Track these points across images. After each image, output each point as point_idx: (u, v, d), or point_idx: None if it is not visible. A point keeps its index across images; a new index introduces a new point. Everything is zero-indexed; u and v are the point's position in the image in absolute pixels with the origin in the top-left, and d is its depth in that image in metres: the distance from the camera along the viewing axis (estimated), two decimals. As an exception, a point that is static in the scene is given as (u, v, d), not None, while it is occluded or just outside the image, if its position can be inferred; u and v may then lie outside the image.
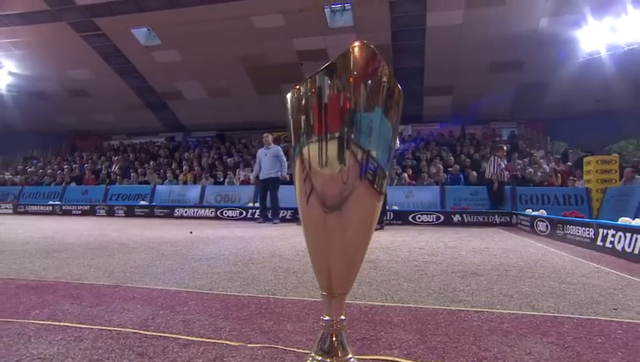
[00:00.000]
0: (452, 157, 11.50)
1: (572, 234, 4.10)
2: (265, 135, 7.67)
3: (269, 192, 7.21)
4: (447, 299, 1.84)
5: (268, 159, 7.21)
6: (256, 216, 7.69)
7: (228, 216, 8.14)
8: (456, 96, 14.09)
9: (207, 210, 8.38)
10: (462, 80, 13.32)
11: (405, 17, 11.54)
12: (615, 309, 1.68)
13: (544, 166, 10.37)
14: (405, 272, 2.48)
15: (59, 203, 9.87)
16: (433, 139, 13.79)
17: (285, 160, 7.36)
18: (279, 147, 7.54)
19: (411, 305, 1.72)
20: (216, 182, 11.50)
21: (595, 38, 10.60)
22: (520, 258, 3.17)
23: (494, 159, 7.57)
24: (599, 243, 3.55)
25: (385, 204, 6.66)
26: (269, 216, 7.21)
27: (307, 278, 2.27)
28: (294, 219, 7.61)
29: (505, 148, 8.15)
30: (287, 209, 7.85)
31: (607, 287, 2.14)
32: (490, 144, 13.00)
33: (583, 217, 4.44)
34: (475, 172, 10.01)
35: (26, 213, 9.67)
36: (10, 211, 9.74)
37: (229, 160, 13.28)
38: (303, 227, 0.85)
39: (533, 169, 10.10)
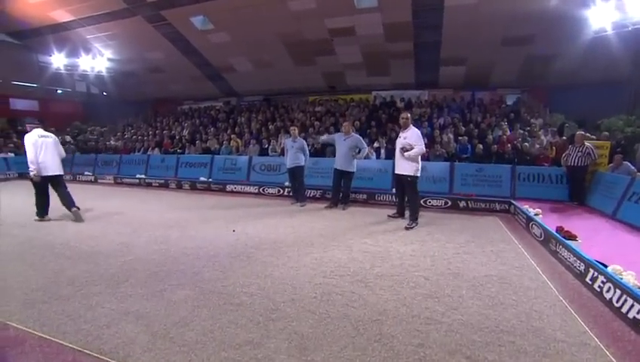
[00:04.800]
0: (462, 126, 10.43)
1: (564, 257, 3.52)
2: (292, 128, 7.11)
3: (295, 179, 6.93)
4: None
5: (294, 151, 6.75)
6: (290, 193, 7.42)
7: (268, 193, 7.86)
8: (469, 66, 12.52)
9: (251, 187, 8.14)
10: (475, 52, 11.73)
11: (425, -2, 10.00)
12: None
13: (542, 137, 9.18)
14: (405, 351, 2.15)
15: (143, 176, 9.97)
16: (447, 105, 12.52)
17: (307, 152, 6.93)
18: (304, 141, 7.02)
19: None
20: (262, 150, 11.19)
21: (602, 17, 8.76)
22: (515, 304, 2.74)
23: (573, 147, 6.53)
24: (588, 280, 2.98)
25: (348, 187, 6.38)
26: (298, 200, 6.99)
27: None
28: (323, 198, 7.25)
29: (582, 133, 6.89)
30: (316, 188, 7.46)
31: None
32: (496, 110, 11.70)
33: (575, 237, 3.77)
34: (481, 144, 9.06)
35: (122, 183, 9.89)
36: (112, 181, 9.99)
37: (271, 127, 12.76)
38: None
39: (532, 141, 9.00)
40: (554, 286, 3.07)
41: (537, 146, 8.74)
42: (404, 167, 5.14)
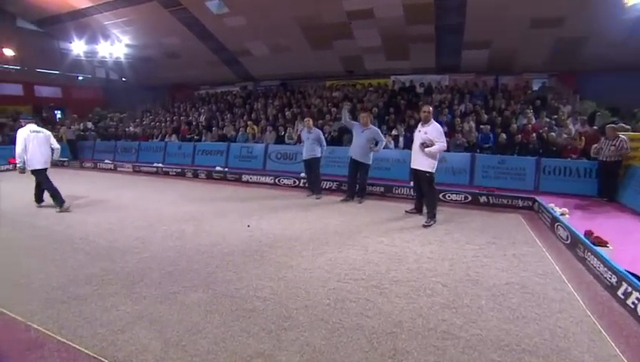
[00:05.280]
0: (485, 114, 9.98)
1: (592, 265, 3.31)
2: (306, 119, 6.93)
3: (311, 170, 6.81)
4: None
5: (310, 142, 6.60)
6: (306, 185, 7.33)
7: (284, 184, 7.78)
8: (493, 49, 11.87)
9: (267, 178, 8.09)
10: (500, 35, 11.09)
11: (448, -23, 9.46)
12: None
13: (570, 126, 8.67)
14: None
15: (161, 165, 10.08)
16: (468, 91, 12.00)
17: (324, 143, 6.72)
18: (320, 131, 6.84)
19: None
20: (278, 137, 11.10)
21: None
22: (538, 319, 2.59)
23: (605, 140, 6.22)
24: (620, 295, 2.77)
25: (364, 180, 6.28)
26: (314, 192, 6.87)
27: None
28: (339, 190, 7.13)
29: (614, 126, 6.48)
30: (332, 180, 7.32)
31: None
32: (521, 97, 11.13)
33: (606, 243, 3.54)
34: (504, 133, 8.66)
35: (140, 172, 10.03)
36: (130, 170, 10.13)
37: (287, 113, 12.59)
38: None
39: (559, 130, 8.52)
40: (581, 299, 2.89)
41: (565, 136, 8.28)
42: (421, 162, 4.95)
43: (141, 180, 8.97)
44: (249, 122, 12.33)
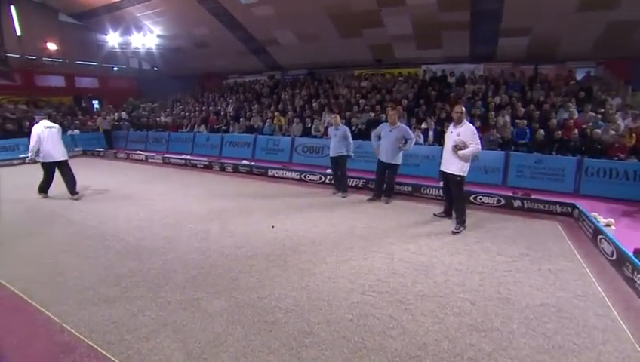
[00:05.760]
0: (521, 107, 9.34)
1: (643, 288, 3.01)
2: (333, 116, 6.77)
3: (338, 167, 6.66)
4: None
5: (337, 139, 6.44)
6: (332, 181, 7.22)
7: (310, 180, 7.67)
8: (533, 36, 11.03)
9: (293, 173, 8.02)
10: (542, 20, 10.26)
11: (488, -41, 8.78)
12: None
13: (618, 122, 7.95)
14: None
15: (189, 157, 10.29)
16: (504, 81, 11.29)
17: (351, 140, 6.52)
18: (347, 128, 6.62)
19: None
20: (305, 129, 10.99)
21: None
22: (577, 350, 2.39)
23: None
24: (677, 326, 2.52)
25: (392, 179, 6.15)
26: (340, 189, 6.73)
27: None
28: (365, 188, 6.96)
29: None
30: (358, 177, 7.13)
31: None
32: (563, 88, 10.34)
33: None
34: (542, 129, 8.08)
35: (170, 163, 10.28)
36: (160, 161, 10.44)
37: (314, 104, 12.42)
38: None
39: (605, 126, 7.82)
40: (628, 329, 2.64)
41: (612, 133, 7.62)
42: (452, 165, 4.70)
43: (170, 172, 9.19)
44: (276, 113, 12.30)
